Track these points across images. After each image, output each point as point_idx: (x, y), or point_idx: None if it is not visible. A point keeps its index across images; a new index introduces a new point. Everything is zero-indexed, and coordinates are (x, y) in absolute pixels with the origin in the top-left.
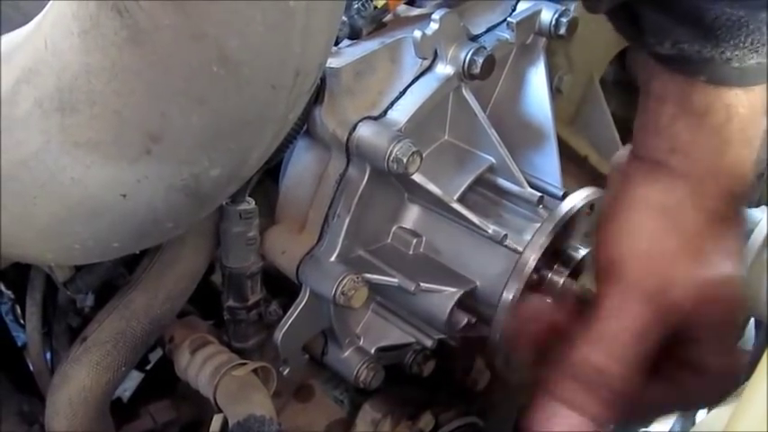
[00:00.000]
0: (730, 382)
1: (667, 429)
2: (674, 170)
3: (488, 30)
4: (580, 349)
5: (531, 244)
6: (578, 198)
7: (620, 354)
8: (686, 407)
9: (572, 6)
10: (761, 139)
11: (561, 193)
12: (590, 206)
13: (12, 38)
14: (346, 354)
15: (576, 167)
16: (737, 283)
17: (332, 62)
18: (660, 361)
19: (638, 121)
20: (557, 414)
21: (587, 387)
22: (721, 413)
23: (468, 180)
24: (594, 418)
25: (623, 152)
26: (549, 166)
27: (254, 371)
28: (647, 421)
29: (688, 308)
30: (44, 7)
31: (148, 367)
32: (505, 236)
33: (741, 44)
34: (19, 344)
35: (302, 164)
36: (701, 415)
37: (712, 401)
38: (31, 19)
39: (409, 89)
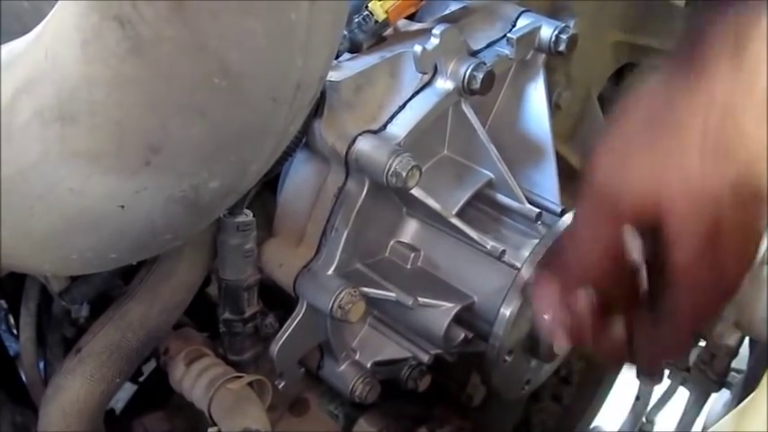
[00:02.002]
0: (706, 302)
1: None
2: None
3: (488, 45)
4: (564, 251)
5: (529, 260)
6: None
7: (585, 255)
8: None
9: (572, 23)
10: None
11: (560, 210)
12: None
13: (12, 48)
14: (342, 368)
15: (574, 184)
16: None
17: (332, 76)
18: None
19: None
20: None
21: (562, 283)
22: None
23: (466, 195)
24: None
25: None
26: (547, 182)
27: (250, 384)
28: (621, 359)
29: (651, 207)
30: (44, 17)
31: (141, 379)
32: (504, 251)
33: None
34: (11, 354)
35: (301, 177)
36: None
37: (682, 327)
38: (32, 29)
39: (409, 103)
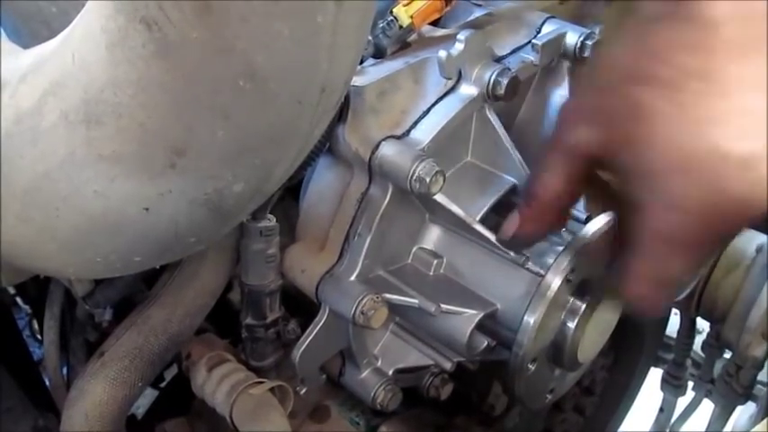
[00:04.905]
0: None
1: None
2: None
3: (513, 51)
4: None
5: (553, 267)
6: (601, 222)
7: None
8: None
9: (597, 29)
10: None
11: (584, 217)
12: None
13: (39, 51)
14: (364, 375)
15: (598, 191)
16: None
17: (356, 80)
18: None
19: None
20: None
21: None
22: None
23: (490, 201)
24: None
25: None
26: None
27: (272, 390)
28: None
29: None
30: (71, 21)
31: (163, 384)
32: (527, 258)
33: None
34: (35, 359)
35: (324, 182)
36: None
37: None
38: (58, 33)
39: (433, 109)
